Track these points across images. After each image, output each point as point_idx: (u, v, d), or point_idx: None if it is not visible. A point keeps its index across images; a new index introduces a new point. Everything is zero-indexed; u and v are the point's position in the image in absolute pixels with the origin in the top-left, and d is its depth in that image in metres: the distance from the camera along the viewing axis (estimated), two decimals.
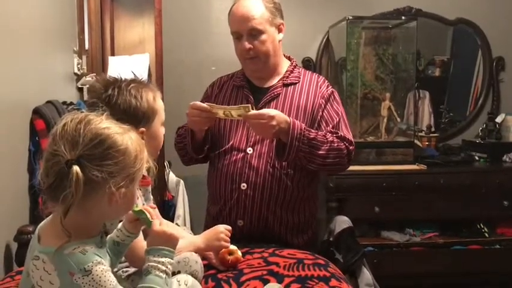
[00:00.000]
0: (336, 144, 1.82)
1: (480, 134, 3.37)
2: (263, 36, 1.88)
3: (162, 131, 1.48)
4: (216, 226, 1.59)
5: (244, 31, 1.88)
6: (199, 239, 1.55)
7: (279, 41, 1.95)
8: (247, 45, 1.89)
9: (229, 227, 1.58)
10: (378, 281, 1.93)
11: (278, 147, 1.82)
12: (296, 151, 1.77)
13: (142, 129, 1.34)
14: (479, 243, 3.01)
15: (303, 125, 1.80)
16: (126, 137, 1.03)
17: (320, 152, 1.79)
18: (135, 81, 1.42)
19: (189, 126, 1.89)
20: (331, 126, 1.89)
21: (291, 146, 1.76)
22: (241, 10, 1.89)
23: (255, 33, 1.88)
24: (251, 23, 1.86)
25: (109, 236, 1.18)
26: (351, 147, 1.87)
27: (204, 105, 1.78)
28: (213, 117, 1.79)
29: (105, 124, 1.02)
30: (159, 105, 1.44)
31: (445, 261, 2.94)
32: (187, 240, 1.53)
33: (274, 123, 1.71)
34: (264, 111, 1.73)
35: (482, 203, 2.98)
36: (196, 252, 1.45)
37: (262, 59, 1.91)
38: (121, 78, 1.42)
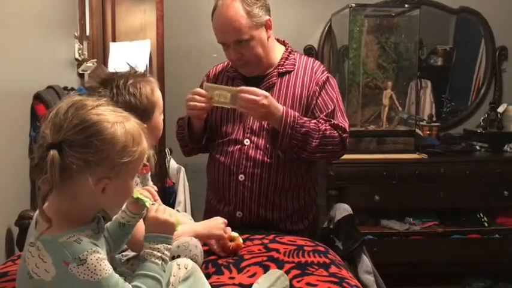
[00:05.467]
0: (328, 132, 1.81)
1: (482, 123, 3.36)
2: (251, 44, 1.81)
3: (161, 119, 1.48)
4: (216, 217, 1.60)
5: (230, 42, 1.82)
6: (200, 226, 1.56)
7: (269, 37, 1.88)
8: (235, 55, 1.84)
9: (226, 221, 1.59)
10: (377, 269, 1.94)
11: (272, 136, 1.82)
12: (289, 139, 1.76)
13: (144, 125, 1.33)
14: (479, 232, 3.02)
15: (297, 113, 1.79)
16: (117, 126, 0.98)
17: (313, 140, 1.78)
18: (131, 75, 1.40)
19: (187, 113, 1.88)
20: (324, 114, 1.86)
21: (283, 133, 1.76)
22: (223, 22, 1.80)
23: (241, 42, 1.81)
24: (235, 35, 1.79)
25: (114, 217, 1.17)
26: (344, 135, 1.85)
27: (203, 91, 1.79)
28: (209, 104, 1.79)
29: (98, 110, 0.98)
30: (157, 96, 1.43)
31: (444, 250, 2.95)
32: (188, 226, 1.53)
33: (265, 102, 1.70)
34: (258, 89, 1.73)
35: (482, 193, 2.99)
36: (196, 238, 1.45)
37: (254, 62, 1.87)
38: (117, 75, 1.40)
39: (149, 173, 1.49)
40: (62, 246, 0.94)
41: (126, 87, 1.35)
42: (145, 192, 1.14)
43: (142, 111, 1.35)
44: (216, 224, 1.55)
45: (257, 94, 1.71)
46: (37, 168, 0.96)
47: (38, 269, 0.96)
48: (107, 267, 0.96)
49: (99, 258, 0.95)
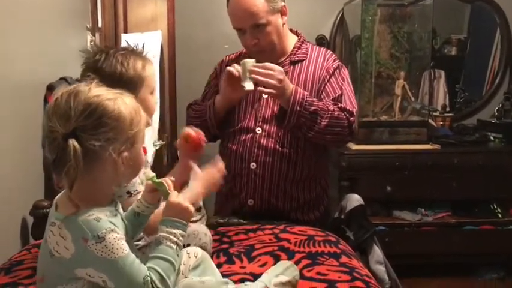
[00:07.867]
0: (336, 113, 1.82)
1: (496, 114, 3.32)
2: (267, 29, 1.84)
3: (151, 99, 1.46)
4: (209, 171, 1.45)
5: (246, 27, 1.84)
6: (198, 186, 1.44)
7: (284, 24, 1.90)
8: (252, 40, 1.86)
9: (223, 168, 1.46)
10: (389, 260, 1.94)
11: (280, 114, 1.82)
12: (297, 117, 1.77)
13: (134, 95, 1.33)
14: (492, 223, 2.99)
15: (306, 92, 1.80)
16: (118, 101, 1.03)
17: (322, 120, 1.79)
18: (125, 49, 1.43)
19: (223, 96, 1.87)
20: (331, 98, 1.87)
21: (292, 110, 1.76)
22: (240, 7, 1.83)
23: (258, 27, 1.83)
24: (252, 19, 1.82)
25: (130, 207, 1.19)
26: (351, 118, 1.86)
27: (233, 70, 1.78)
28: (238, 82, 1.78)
29: (94, 92, 1.02)
30: (149, 73, 1.43)
31: (457, 241, 2.92)
32: (189, 191, 1.43)
33: (281, 77, 1.73)
34: (272, 64, 1.76)
35: (496, 184, 2.95)
36: (199, 199, 1.41)
37: (268, 50, 1.89)
38: (113, 47, 1.42)
39: (146, 154, 1.47)
40: (81, 223, 0.97)
41: (115, 54, 1.38)
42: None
43: (129, 80, 1.35)
44: (213, 178, 1.43)
45: (273, 69, 1.73)
46: (55, 161, 1.00)
47: (58, 246, 0.99)
48: (124, 246, 0.99)
49: (117, 237, 0.98)
